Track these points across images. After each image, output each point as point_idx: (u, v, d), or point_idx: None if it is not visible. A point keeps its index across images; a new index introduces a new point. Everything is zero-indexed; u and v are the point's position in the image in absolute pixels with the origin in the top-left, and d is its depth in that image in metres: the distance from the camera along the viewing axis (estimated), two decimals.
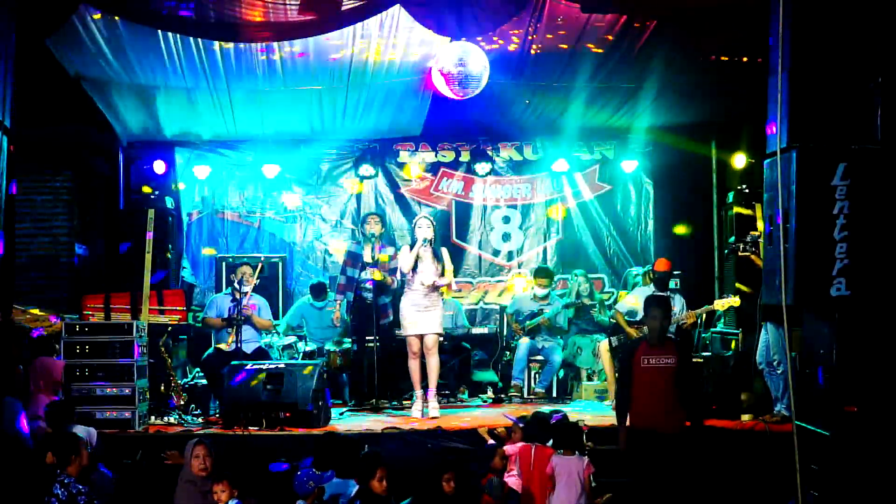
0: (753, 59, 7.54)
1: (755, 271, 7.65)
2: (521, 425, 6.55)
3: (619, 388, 6.48)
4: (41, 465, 5.74)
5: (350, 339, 9.14)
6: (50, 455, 5.69)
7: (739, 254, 8.24)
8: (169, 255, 9.78)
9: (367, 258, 8.67)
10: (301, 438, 7.07)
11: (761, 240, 7.66)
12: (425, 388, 8.20)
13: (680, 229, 10.89)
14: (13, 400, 6.42)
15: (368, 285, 8.65)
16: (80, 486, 5.48)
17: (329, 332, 9.49)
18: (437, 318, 8.19)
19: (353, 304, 8.81)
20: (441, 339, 8.46)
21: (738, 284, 9.00)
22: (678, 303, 8.86)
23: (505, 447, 6.45)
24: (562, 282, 10.91)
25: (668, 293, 8.86)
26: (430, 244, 8.19)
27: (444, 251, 8.36)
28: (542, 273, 9.91)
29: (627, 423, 6.27)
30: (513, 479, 6.26)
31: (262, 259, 9.91)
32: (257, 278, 8.97)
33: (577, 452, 6.22)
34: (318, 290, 9.97)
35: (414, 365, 8.19)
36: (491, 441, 6.73)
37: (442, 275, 8.24)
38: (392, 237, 10.55)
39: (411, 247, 8.24)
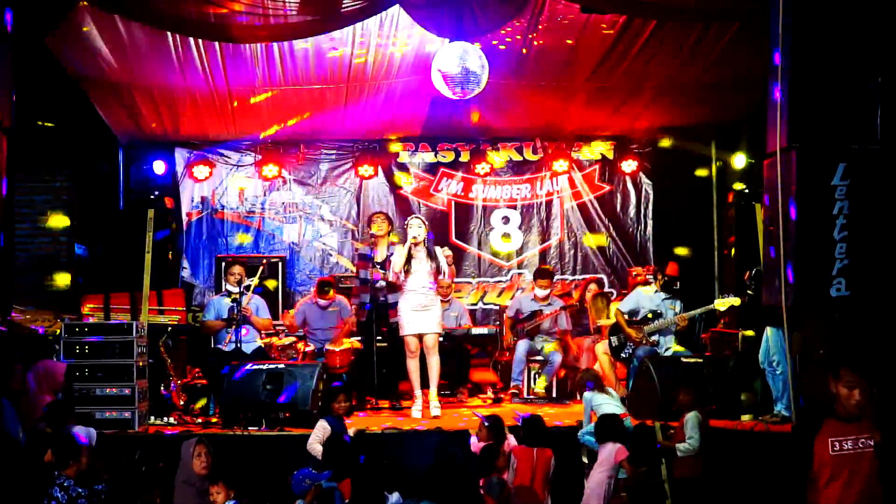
0: (753, 60, 7.52)
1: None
2: (486, 423, 6.54)
3: (809, 491, 4.44)
4: (38, 467, 5.70)
5: (358, 339, 9.05)
6: (49, 453, 5.66)
7: (749, 291, 8.16)
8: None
9: (377, 258, 8.65)
10: (301, 439, 7.04)
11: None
12: (426, 388, 8.17)
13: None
14: (4, 401, 6.38)
15: (380, 284, 8.60)
16: (80, 490, 5.44)
17: (331, 333, 9.46)
18: (436, 318, 8.14)
19: (369, 305, 8.72)
20: (441, 338, 8.42)
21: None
22: (677, 305, 8.84)
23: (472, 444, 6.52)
24: (561, 282, 10.90)
25: (672, 296, 8.85)
26: (423, 243, 8.12)
27: (438, 249, 8.32)
28: (542, 274, 9.88)
29: None
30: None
31: (264, 262, 9.80)
32: (258, 279, 8.92)
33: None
34: (325, 288, 9.50)
35: (412, 365, 8.15)
36: (479, 443, 6.66)
37: (438, 272, 8.21)
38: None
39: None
